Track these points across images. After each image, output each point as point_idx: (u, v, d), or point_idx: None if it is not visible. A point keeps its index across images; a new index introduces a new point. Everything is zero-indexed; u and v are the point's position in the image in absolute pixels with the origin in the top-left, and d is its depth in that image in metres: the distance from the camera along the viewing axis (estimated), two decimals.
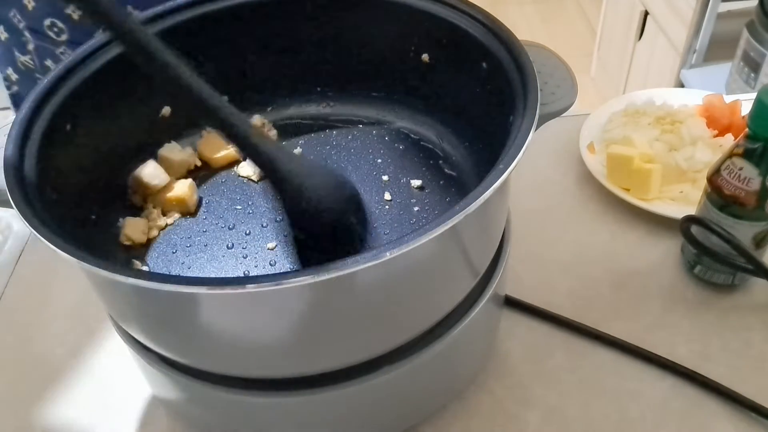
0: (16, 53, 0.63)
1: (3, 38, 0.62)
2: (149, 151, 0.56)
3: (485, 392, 0.54)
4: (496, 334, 0.56)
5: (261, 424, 0.47)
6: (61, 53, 0.66)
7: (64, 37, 0.61)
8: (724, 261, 0.57)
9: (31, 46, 0.62)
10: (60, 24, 0.60)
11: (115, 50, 0.51)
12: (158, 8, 0.52)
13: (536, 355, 0.57)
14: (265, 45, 0.57)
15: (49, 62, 0.66)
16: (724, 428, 0.51)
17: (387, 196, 0.53)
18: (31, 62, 0.64)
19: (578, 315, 0.58)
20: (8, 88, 0.70)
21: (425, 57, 0.55)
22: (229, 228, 0.52)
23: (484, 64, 0.49)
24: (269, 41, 0.57)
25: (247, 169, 0.56)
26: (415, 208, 0.52)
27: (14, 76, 0.65)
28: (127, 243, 0.50)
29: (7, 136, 0.43)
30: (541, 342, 0.58)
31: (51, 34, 0.61)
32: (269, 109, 0.60)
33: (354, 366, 0.42)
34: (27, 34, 0.61)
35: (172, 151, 0.55)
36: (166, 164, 0.54)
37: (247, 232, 0.51)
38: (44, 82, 0.47)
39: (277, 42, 0.57)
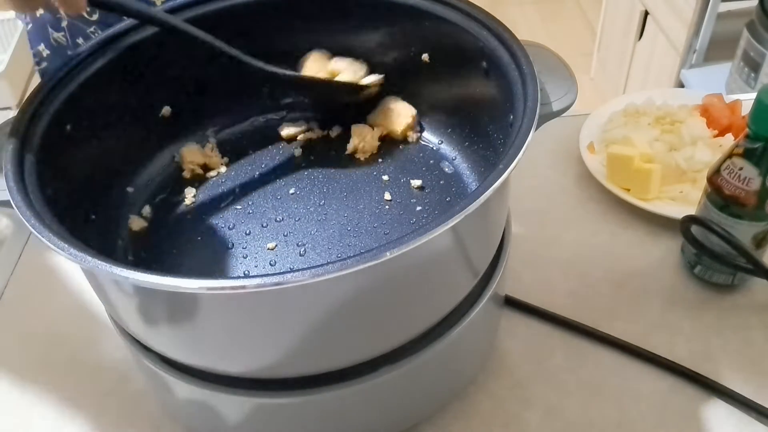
0: (50, 29, 0.64)
1: (38, 14, 0.62)
2: (149, 151, 0.56)
3: (485, 392, 0.54)
4: (496, 334, 0.56)
5: (261, 424, 0.47)
6: (92, 32, 0.66)
7: (95, 17, 0.62)
8: (724, 261, 0.57)
9: (65, 23, 0.63)
10: None
11: (115, 50, 0.51)
12: (170, 3, 0.53)
13: (536, 355, 0.57)
14: (265, 45, 0.57)
15: (80, 40, 0.67)
16: (724, 428, 0.51)
17: (387, 196, 0.53)
18: (64, 39, 0.64)
19: (578, 315, 0.58)
20: (38, 63, 0.71)
21: (425, 57, 0.55)
22: (229, 228, 0.52)
23: (484, 64, 0.49)
24: (269, 42, 0.57)
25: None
26: (416, 208, 0.52)
27: (45, 52, 0.66)
28: (191, 168, 0.56)
29: (8, 135, 0.43)
30: (541, 342, 0.58)
31: (83, 13, 0.62)
32: (272, 107, 0.60)
33: (354, 366, 0.42)
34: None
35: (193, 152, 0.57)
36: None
37: (247, 232, 0.51)
38: (45, 82, 0.47)
39: (277, 42, 0.57)
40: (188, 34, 0.50)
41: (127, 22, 0.52)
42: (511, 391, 0.54)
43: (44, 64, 0.70)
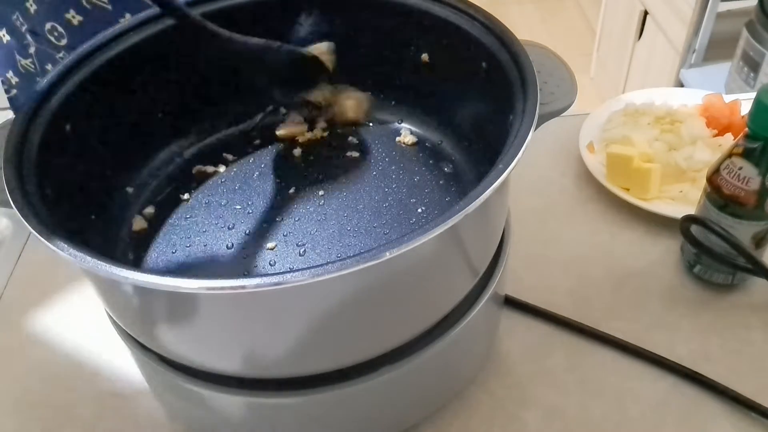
0: (18, 56, 0.63)
1: (5, 41, 0.62)
2: (149, 151, 0.56)
3: (485, 392, 0.54)
4: (495, 334, 0.56)
5: (261, 425, 0.47)
6: (61, 58, 0.65)
7: (63, 42, 0.61)
8: (723, 260, 0.57)
9: (32, 50, 0.62)
10: (60, 29, 0.60)
11: (114, 51, 0.51)
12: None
13: (536, 355, 0.57)
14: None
15: (49, 66, 0.66)
16: (723, 428, 0.51)
17: (387, 196, 0.53)
18: (32, 66, 0.64)
19: (578, 315, 0.58)
20: (7, 91, 0.70)
21: (425, 57, 0.55)
22: (229, 228, 0.52)
23: (484, 64, 0.49)
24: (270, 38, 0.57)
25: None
26: (416, 209, 0.52)
27: (14, 80, 0.65)
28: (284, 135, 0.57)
29: (7, 135, 0.43)
30: (540, 342, 0.58)
31: (51, 38, 0.61)
32: (270, 108, 0.60)
33: (354, 366, 0.42)
34: (29, 37, 0.61)
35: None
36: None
37: (247, 232, 0.51)
38: (44, 82, 0.47)
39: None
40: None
41: (125, 23, 0.52)
42: (510, 391, 0.54)
43: (14, 92, 0.69)
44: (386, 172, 0.55)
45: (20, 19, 0.61)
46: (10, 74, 0.67)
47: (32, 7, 0.59)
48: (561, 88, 0.47)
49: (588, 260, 0.64)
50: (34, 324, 0.62)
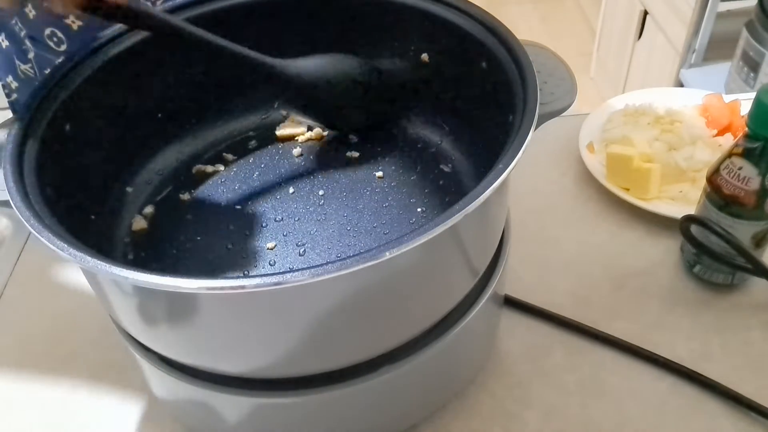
0: (17, 61, 0.63)
1: (4, 46, 0.62)
2: (149, 151, 0.56)
3: (485, 392, 0.54)
4: (495, 333, 0.56)
5: (261, 425, 0.47)
6: None
7: (63, 48, 0.61)
8: (723, 260, 0.57)
9: (31, 55, 0.62)
10: (60, 34, 0.60)
11: (113, 51, 0.51)
12: (169, 4, 0.53)
13: (536, 355, 0.57)
14: (266, 46, 0.57)
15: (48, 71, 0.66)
16: (724, 428, 0.51)
17: (386, 195, 0.53)
18: (31, 71, 0.64)
19: (578, 315, 0.58)
20: (8, 95, 0.70)
21: (425, 57, 0.55)
22: (229, 228, 0.52)
23: (483, 64, 0.49)
24: (269, 42, 0.57)
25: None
26: (415, 209, 0.52)
27: (14, 84, 0.65)
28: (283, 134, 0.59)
29: (7, 136, 0.43)
30: (540, 341, 0.58)
31: (51, 43, 0.61)
32: (270, 108, 0.60)
33: (354, 366, 0.42)
34: (28, 42, 0.61)
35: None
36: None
37: (247, 232, 0.51)
38: (44, 82, 0.47)
39: (277, 43, 0.57)
40: (195, 37, 0.49)
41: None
42: (510, 391, 0.54)
43: (14, 96, 0.69)
44: (386, 172, 0.55)
45: (19, 24, 0.61)
46: (9, 79, 0.67)
47: (31, 13, 0.59)
48: (561, 88, 0.47)
49: (588, 260, 0.64)
50: (34, 324, 0.62)
